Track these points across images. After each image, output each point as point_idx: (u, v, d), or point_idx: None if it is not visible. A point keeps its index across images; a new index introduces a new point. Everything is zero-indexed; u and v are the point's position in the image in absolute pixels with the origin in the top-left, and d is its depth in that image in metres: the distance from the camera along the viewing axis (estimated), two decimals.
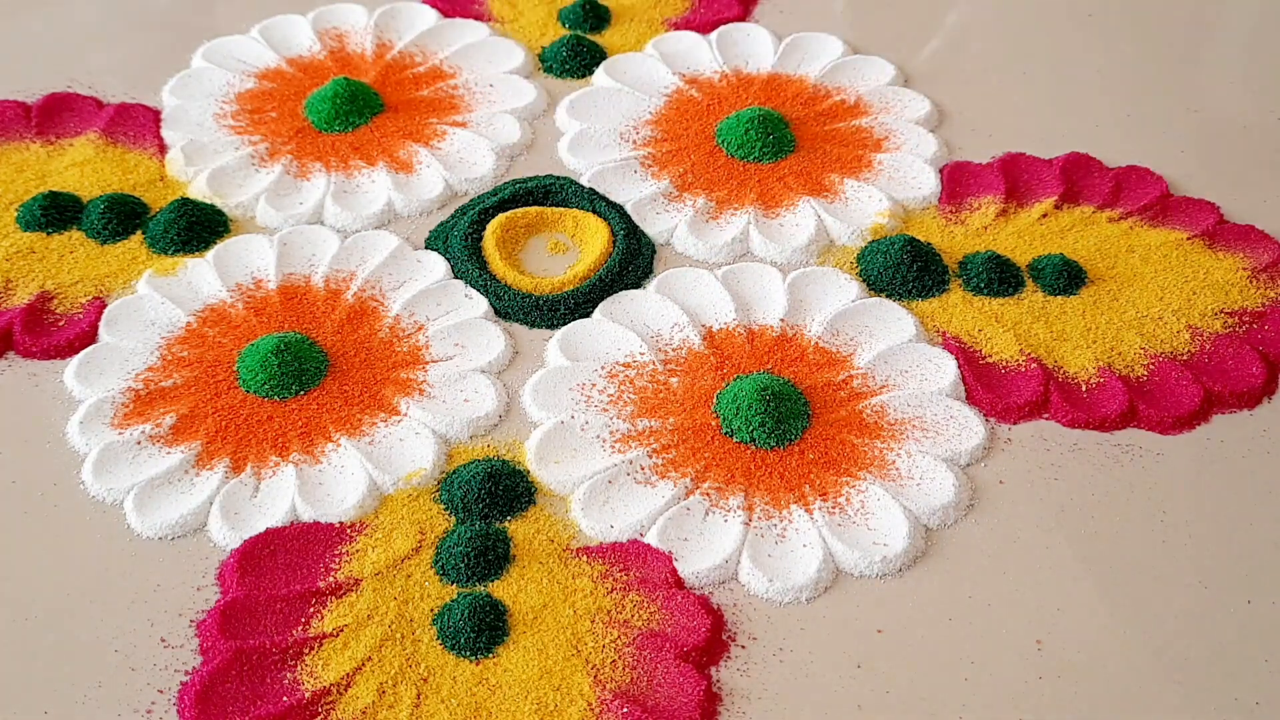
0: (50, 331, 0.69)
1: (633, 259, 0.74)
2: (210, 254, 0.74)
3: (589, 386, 0.66)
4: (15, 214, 0.76)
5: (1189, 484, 0.63)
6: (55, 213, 0.75)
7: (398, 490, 0.62)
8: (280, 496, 0.61)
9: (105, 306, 0.70)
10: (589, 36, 0.92)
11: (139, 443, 0.63)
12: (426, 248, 0.75)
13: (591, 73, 0.89)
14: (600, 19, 0.93)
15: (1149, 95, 0.88)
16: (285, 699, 0.53)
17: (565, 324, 0.70)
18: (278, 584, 0.57)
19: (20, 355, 0.68)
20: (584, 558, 0.59)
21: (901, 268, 0.72)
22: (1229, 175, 0.81)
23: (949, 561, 0.59)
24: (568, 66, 0.89)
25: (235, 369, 0.66)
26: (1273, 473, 0.64)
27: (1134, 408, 0.66)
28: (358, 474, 0.62)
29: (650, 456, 0.63)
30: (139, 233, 0.75)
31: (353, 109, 0.83)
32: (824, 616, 0.57)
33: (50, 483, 0.62)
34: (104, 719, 0.53)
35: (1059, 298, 0.72)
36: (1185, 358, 0.68)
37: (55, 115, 0.84)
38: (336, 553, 0.59)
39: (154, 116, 0.84)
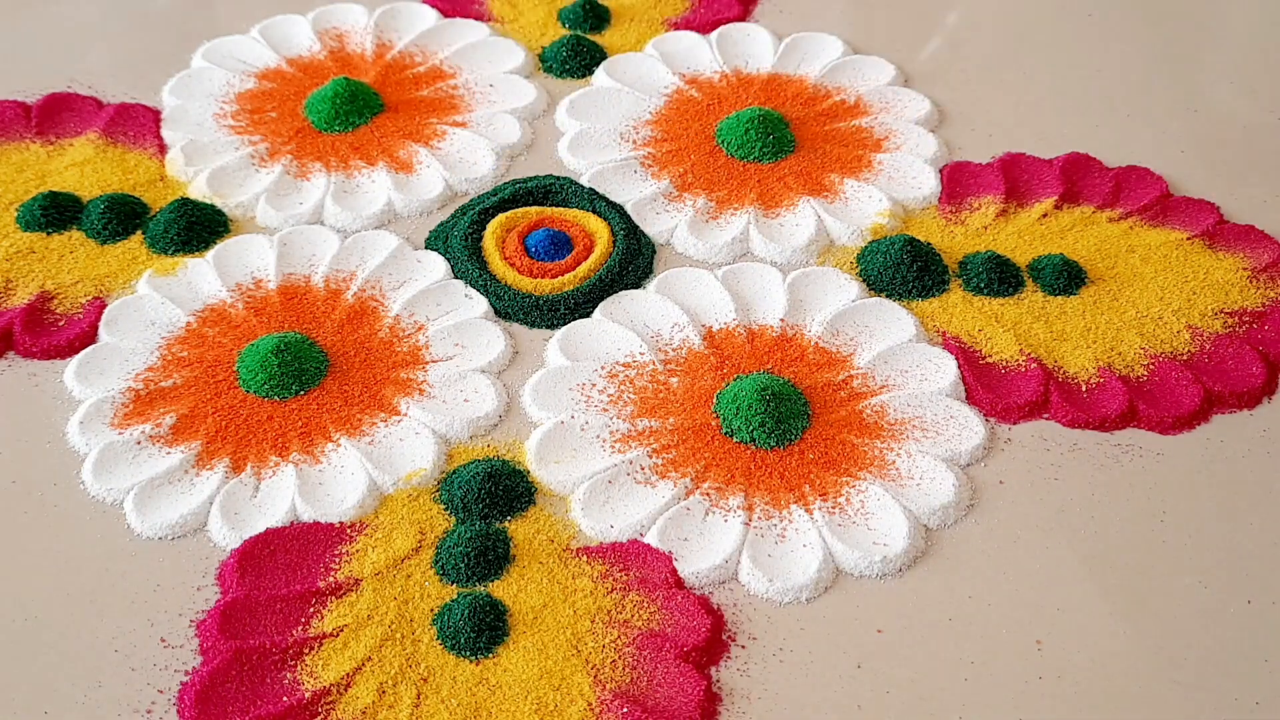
0: (50, 331, 0.69)
1: (633, 259, 0.74)
2: (210, 254, 0.74)
3: (589, 386, 0.66)
4: (15, 214, 0.76)
5: (1189, 484, 0.63)
6: (55, 213, 0.75)
7: (398, 490, 0.62)
8: (280, 496, 0.61)
9: (105, 306, 0.70)
10: (589, 36, 0.91)
11: (139, 443, 0.63)
12: (426, 248, 0.75)
13: (591, 73, 0.89)
14: (600, 19, 0.93)
15: (1149, 95, 0.88)
16: (285, 699, 0.53)
17: (565, 324, 0.70)
18: (278, 584, 0.57)
19: (20, 355, 0.68)
20: (584, 558, 0.59)
21: (901, 268, 0.72)
22: (1229, 175, 0.81)
23: (949, 561, 0.59)
24: (568, 66, 0.89)
25: (235, 369, 0.66)
26: (1273, 473, 0.64)
27: (1134, 408, 0.66)
28: (358, 474, 0.62)
29: (650, 456, 0.63)
30: (139, 233, 0.75)
31: (353, 109, 0.83)
32: (824, 616, 0.57)
33: (50, 483, 0.62)
34: (104, 719, 0.53)
35: (1059, 298, 0.72)
36: (1185, 358, 0.68)
37: (55, 115, 0.84)
38: (336, 553, 0.59)
39: (154, 116, 0.84)
